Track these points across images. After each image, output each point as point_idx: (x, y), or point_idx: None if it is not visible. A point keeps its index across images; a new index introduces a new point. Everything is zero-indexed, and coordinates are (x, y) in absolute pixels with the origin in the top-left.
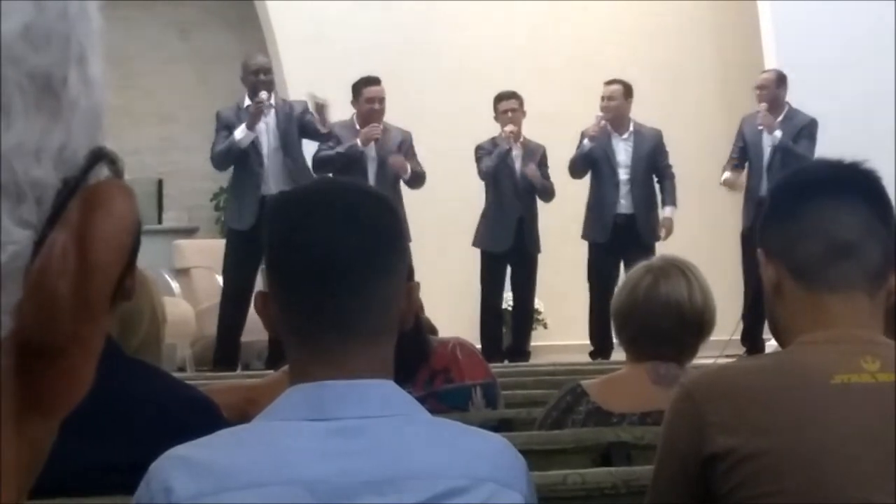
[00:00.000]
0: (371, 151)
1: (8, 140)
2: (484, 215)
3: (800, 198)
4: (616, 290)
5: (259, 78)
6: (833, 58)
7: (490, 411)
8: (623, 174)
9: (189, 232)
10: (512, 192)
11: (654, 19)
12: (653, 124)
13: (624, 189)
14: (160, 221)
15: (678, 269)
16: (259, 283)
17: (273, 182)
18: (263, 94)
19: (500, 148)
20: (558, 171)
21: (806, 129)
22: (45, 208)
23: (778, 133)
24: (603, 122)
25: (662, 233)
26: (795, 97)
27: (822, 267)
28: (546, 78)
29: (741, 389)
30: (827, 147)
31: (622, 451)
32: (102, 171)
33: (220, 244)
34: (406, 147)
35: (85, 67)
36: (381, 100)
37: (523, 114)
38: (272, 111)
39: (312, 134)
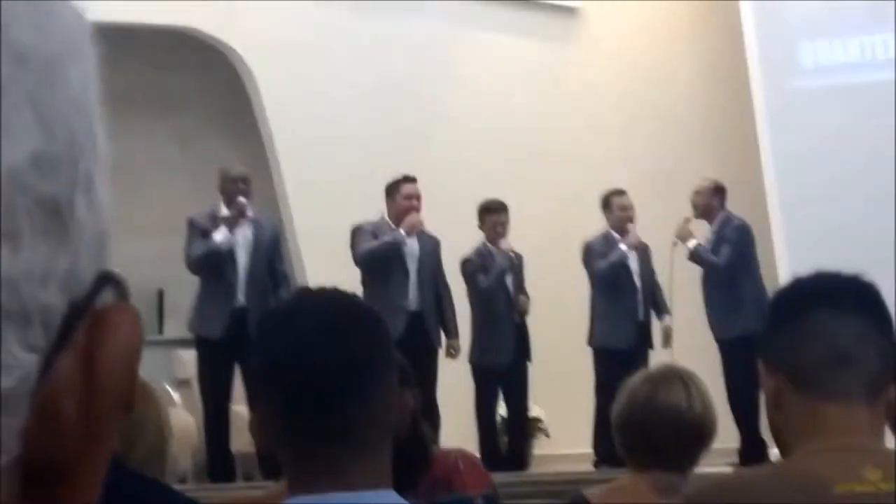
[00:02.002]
0: (412, 247)
1: (16, 266)
2: (479, 329)
3: (799, 308)
4: (616, 399)
5: (238, 187)
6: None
7: None
8: (638, 281)
9: (190, 343)
10: (504, 302)
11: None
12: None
13: (639, 296)
14: (161, 332)
15: (678, 377)
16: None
17: (245, 294)
18: (242, 199)
19: (497, 263)
20: (551, 276)
21: (730, 235)
22: (52, 332)
23: (692, 242)
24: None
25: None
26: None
27: (821, 375)
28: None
29: (743, 498)
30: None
31: None
32: (108, 295)
33: None
34: (438, 248)
35: (92, 193)
36: (419, 197)
37: (507, 225)
38: (248, 224)
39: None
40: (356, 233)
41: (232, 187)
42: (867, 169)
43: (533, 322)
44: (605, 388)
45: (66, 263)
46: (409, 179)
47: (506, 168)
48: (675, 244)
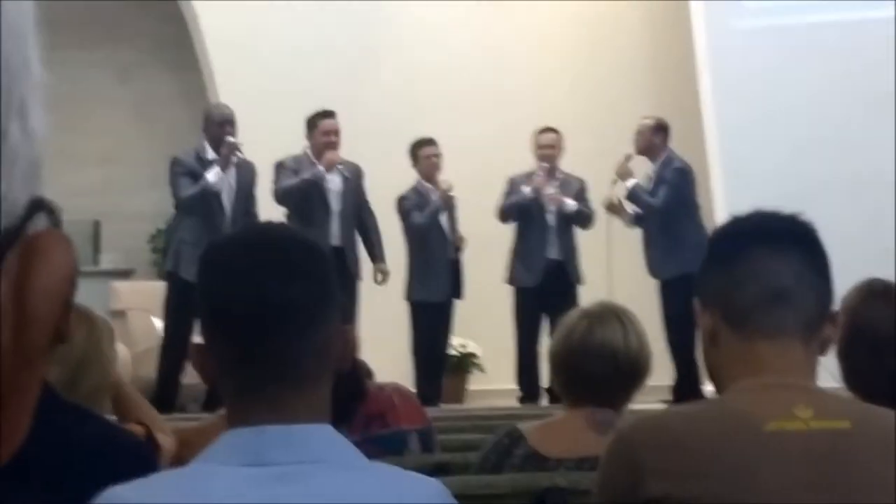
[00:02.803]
0: (334, 182)
1: None
2: (415, 266)
3: (736, 246)
4: (553, 335)
5: (224, 130)
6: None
7: (426, 456)
8: (551, 220)
9: (126, 274)
10: (440, 240)
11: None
12: (581, 174)
13: (552, 235)
14: (97, 263)
15: (614, 314)
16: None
17: None
18: (232, 139)
19: (433, 200)
20: (488, 213)
21: (669, 176)
22: None
23: (631, 181)
24: (542, 170)
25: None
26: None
27: (757, 313)
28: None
29: (676, 435)
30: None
31: (558, 497)
32: (41, 221)
33: (156, 286)
34: (361, 179)
35: (26, 120)
36: (337, 132)
37: (440, 159)
38: (231, 167)
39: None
40: (277, 169)
41: (217, 130)
42: (803, 110)
43: (468, 258)
44: (522, 325)
45: None
46: (327, 114)
47: (441, 103)
48: (614, 182)
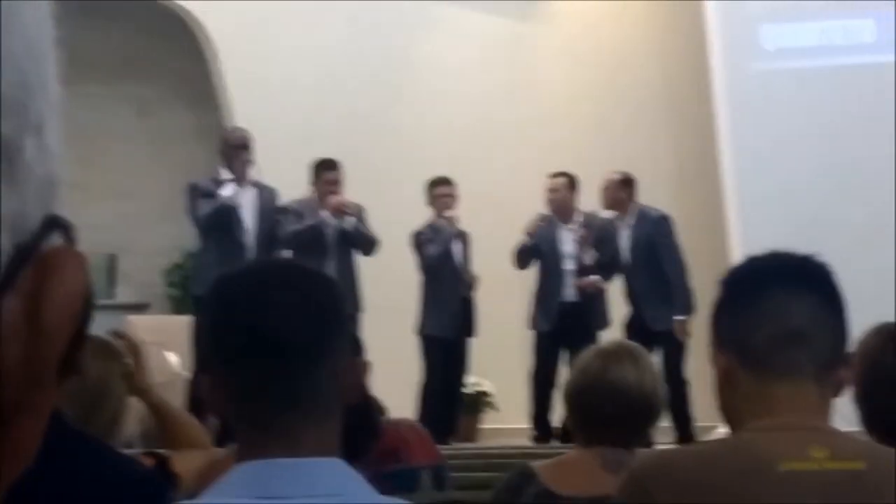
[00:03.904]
0: (330, 225)
1: None
2: (427, 301)
3: (750, 287)
4: (569, 374)
5: (241, 153)
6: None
7: (438, 493)
8: (569, 264)
9: (141, 308)
10: (452, 276)
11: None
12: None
13: (568, 278)
14: (112, 297)
15: (628, 353)
16: None
17: (256, 255)
18: (247, 158)
19: (444, 235)
20: (505, 251)
21: (659, 230)
22: None
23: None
24: (541, 220)
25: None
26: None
27: (772, 354)
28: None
29: (689, 474)
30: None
31: None
32: (55, 239)
33: (171, 321)
34: (360, 215)
35: (42, 137)
36: (337, 182)
37: (456, 200)
38: (252, 188)
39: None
40: (282, 213)
41: (232, 153)
42: (819, 148)
43: (483, 296)
44: (537, 367)
45: (13, 205)
46: (328, 165)
47: (456, 140)
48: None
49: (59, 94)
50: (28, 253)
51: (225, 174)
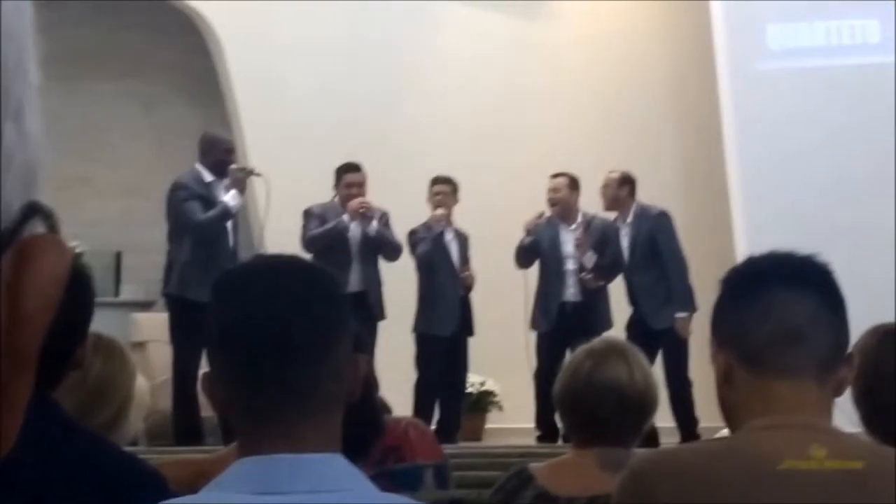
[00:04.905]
0: (354, 231)
1: None
2: (423, 300)
3: (751, 286)
4: (558, 375)
5: (230, 156)
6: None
7: (441, 491)
8: (570, 264)
9: (146, 305)
10: (448, 275)
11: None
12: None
13: (570, 279)
14: (117, 294)
15: (617, 352)
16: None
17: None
18: (237, 166)
19: (433, 231)
20: (509, 250)
21: (659, 226)
22: None
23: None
24: (542, 217)
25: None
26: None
27: (771, 353)
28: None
29: (689, 472)
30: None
31: None
32: (37, 226)
33: None
34: (384, 220)
35: (21, 122)
36: (360, 184)
37: (455, 199)
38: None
39: None
40: (305, 216)
41: (221, 157)
42: (825, 151)
43: (487, 295)
44: (540, 367)
45: None
46: (350, 168)
47: (466, 141)
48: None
49: (38, 79)
50: (7, 240)
51: (208, 177)
